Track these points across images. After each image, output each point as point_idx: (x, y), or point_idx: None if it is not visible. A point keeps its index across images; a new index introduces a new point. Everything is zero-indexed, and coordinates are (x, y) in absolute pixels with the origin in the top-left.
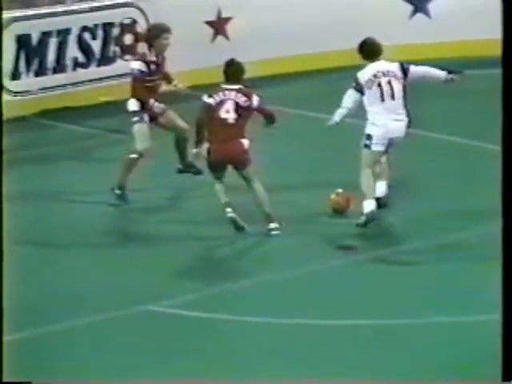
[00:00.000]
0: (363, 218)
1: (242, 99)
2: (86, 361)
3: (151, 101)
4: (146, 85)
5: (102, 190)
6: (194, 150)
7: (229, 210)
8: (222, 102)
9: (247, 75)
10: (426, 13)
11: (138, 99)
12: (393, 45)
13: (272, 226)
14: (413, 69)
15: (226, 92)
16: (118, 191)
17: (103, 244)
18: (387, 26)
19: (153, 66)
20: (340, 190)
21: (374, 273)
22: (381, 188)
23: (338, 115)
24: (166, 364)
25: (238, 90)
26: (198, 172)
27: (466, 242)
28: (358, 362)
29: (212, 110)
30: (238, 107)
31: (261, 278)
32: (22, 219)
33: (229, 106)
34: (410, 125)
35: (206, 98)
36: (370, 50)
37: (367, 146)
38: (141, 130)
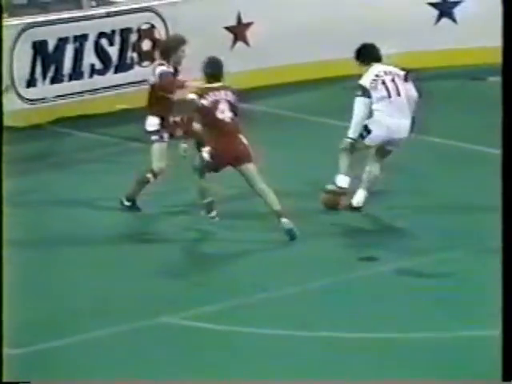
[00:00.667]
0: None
1: (232, 97)
2: (98, 374)
3: (171, 118)
4: (165, 97)
5: (118, 197)
6: (183, 146)
7: (212, 213)
8: (215, 103)
9: (269, 82)
10: (452, 18)
11: (158, 116)
12: (418, 51)
13: (284, 220)
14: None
15: (216, 92)
16: (127, 203)
17: (118, 254)
18: (412, 31)
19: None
20: (330, 186)
21: (396, 284)
22: (359, 197)
23: (354, 133)
24: (182, 377)
25: (224, 88)
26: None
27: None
28: (381, 376)
29: (206, 111)
30: (230, 105)
31: (280, 291)
32: (35, 227)
33: (223, 106)
34: (412, 129)
35: (196, 99)
36: (369, 54)
37: (362, 137)
38: (159, 149)
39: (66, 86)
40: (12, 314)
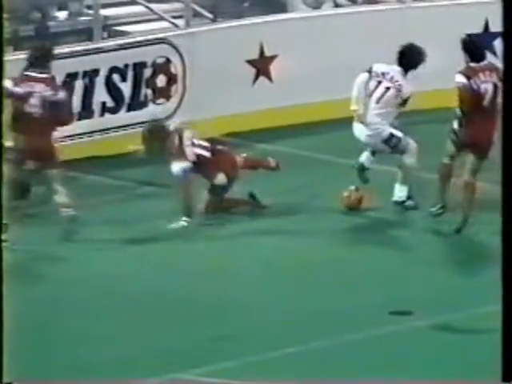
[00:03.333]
0: None
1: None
2: None
3: None
4: None
5: (130, 246)
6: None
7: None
8: (28, 94)
9: (293, 121)
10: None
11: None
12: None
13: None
14: None
15: (33, 83)
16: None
17: (129, 306)
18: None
19: None
20: (352, 188)
21: (431, 340)
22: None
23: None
24: None
25: (42, 81)
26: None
27: None
28: None
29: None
30: (45, 100)
31: (307, 345)
32: (39, 281)
33: (35, 100)
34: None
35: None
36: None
37: None
38: None
39: (75, 126)
40: None
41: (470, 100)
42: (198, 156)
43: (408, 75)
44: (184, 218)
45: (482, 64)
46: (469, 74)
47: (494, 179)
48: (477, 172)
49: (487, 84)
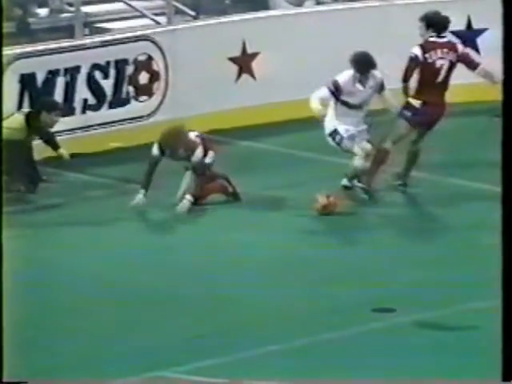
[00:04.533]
0: None
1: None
2: None
3: None
4: None
5: (112, 246)
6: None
7: None
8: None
9: (276, 118)
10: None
11: None
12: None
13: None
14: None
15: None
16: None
17: (113, 302)
18: None
19: None
20: (325, 192)
21: (414, 337)
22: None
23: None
24: None
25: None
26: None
27: None
28: None
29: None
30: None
31: (290, 343)
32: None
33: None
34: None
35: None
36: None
37: None
38: None
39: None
40: None
41: (422, 73)
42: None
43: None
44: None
45: (442, 40)
46: (427, 47)
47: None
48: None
49: (444, 60)
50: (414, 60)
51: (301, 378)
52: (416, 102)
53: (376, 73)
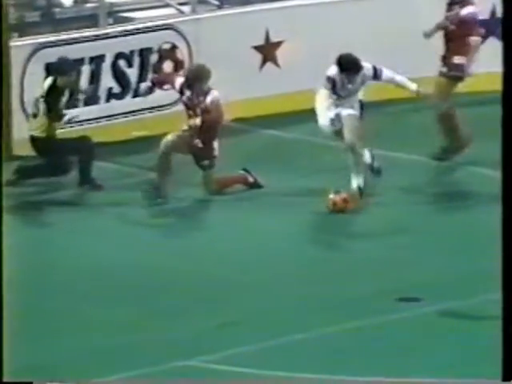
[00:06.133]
0: None
1: None
2: None
3: None
4: None
5: (136, 233)
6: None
7: None
8: None
9: (301, 107)
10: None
11: None
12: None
13: None
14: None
15: None
16: None
17: (139, 293)
18: None
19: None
20: (337, 190)
21: (440, 327)
22: None
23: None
24: None
25: None
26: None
27: None
28: None
29: None
30: None
31: (317, 331)
32: (47, 268)
33: None
34: None
35: None
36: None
37: None
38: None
39: (81, 112)
40: None
41: None
42: None
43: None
44: None
45: None
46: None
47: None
48: None
49: None
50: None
51: (326, 367)
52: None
53: (365, 69)
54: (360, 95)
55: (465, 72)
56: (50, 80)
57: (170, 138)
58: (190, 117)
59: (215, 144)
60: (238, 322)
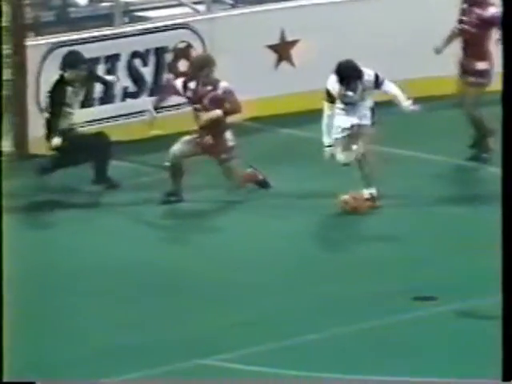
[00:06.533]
0: None
1: None
2: None
3: None
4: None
5: (153, 231)
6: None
7: None
8: None
9: (316, 106)
10: None
11: None
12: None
13: None
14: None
15: None
16: None
17: (154, 291)
18: None
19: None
20: (352, 191)
21: (455, 326)
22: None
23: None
24: None
25: None
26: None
27: None
28: None
29: None
30: None
31: (330, 331)
32: (61, 268)
33: None
34: None
35: None
36: None
37: None
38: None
39: (97, 111)
40: None
41: None
42: None
43: None
44: None
45: None
46: None
47: None
48: None
49: None
50: None
51: (340, 367)
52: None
53: (366, 76)
54: (369, 103)
55: (491, 78)
56: (56, 75)
57: (175, 148)
58: (196, 111)
59: (228, 135)
60: (253, 321)
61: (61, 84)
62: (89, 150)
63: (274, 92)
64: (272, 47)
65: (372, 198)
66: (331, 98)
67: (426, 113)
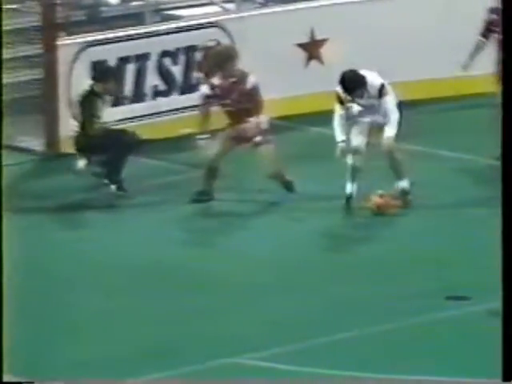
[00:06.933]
0: None
1: None
2: None
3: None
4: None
5: (183, 231)
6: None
7: None
8: None
9: None
10: None
11: None
12: None
13: None
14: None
15: None
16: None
17: (187, 290)
18: None
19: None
20: (380, 192)
21: (488, 325)
22: None
23: None
24: None
25: None
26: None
27: None
28: None
29: None
30: None
31: (364, 330)
32: (96, 266)
33: None
34: None
35: None
36: None
37: None
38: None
39: (127, 110)
40: None
41: None
42: None
43: None
44: None
45: None
46: None
47: None
48: None
49: None
50: None
51: (372, 366)
52: None
53: (373, 83)
54: (391, 103)
55: None
56: (86, 85)
57: (212, 152)
58: (225, 106)
59: (262, 118)
60: (284, 320)
61: (91, 95)
62: (108, 146)
63: (303, 90)
64: (302, 46)
65: (403, 193)
66: (341, 100)
67: (455, 112)
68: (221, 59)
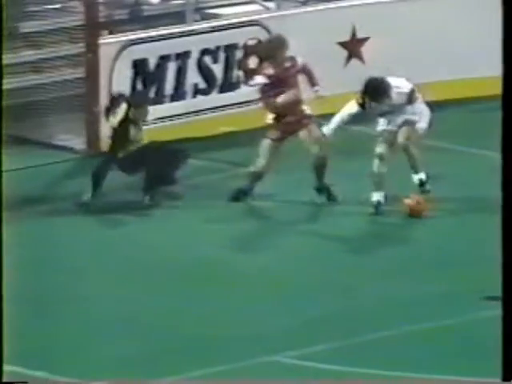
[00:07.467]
0: None
1: None
2: None
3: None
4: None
5: (224, 228)
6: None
7: None
8: None
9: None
10: None
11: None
12: None
13: None
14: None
15: None
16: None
17: (227, 289)
18: None
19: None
20: (412, 195)
21: None
22: None
23: None
24: None
25: None
26: (333, 198)
27: None
28: None
29: None
30: None
31: (399, 329)
32: (140, 264)
33: None
34: None
35: None
36: None
37: None
38: (262, 146)
39: (168, 108)
40: None
41: None
42: None
43: None
44: None
45: None
46: None
47: None
48: None
49: None
50: None
51: (407, 366)
52: None
53: (402, 90)
54: (421, 107)
55: None
56: (122, 112)
57: (261, 159)
58: (282, 93)
59: (304, 107)
60: (322, 319)
61: (126, 122)
62: (145, 157)
63: (343, 89)
64: (342, 44)
65: (421, 183)
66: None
67: (490, 112)
68: (272, 48)
